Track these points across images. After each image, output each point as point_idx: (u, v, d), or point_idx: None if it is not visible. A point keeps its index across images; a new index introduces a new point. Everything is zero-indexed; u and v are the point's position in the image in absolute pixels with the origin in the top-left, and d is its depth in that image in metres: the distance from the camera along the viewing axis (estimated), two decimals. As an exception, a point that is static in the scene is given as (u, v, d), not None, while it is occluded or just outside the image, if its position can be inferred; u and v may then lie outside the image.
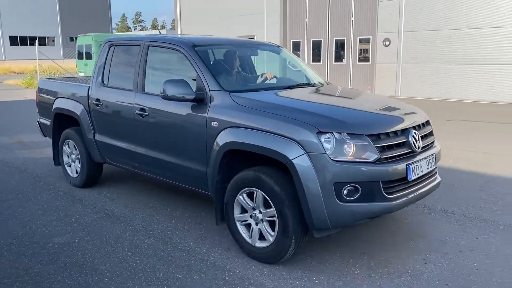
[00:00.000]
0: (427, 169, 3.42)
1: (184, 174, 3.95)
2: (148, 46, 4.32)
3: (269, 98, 3.76)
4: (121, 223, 4.20)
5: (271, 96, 3.86)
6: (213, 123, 3.55)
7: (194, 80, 3.80)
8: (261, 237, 3.38)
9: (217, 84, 3.68)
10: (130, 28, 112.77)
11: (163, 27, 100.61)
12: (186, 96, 3.63)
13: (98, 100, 4.73)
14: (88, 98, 4.87)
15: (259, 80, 4.49)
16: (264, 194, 3.22)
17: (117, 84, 4.61)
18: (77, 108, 5.01)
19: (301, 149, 3.00)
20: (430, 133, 3.72)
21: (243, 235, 3.46)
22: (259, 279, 3.15)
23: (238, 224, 3.48)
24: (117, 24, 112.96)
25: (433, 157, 3.55)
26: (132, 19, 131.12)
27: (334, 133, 3.00)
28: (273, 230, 3.25)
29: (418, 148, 3.34)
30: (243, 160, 3.52)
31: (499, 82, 13.59)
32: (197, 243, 3.74)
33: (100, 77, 4.78)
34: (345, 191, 2.96)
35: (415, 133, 3.36)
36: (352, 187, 2.97)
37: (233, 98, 3.55)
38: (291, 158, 3.01)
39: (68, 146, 5.38)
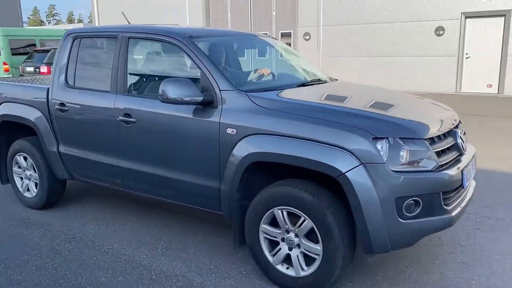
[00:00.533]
0: (473, 172, 3.06)
1: (187, 191, 3.32)
2: (129, 38, 3.62)
3: (295, 98, 3.11)
4: (39, 229, 3.96)
5: (296, 95, 3.22)
6: (229, 130, 2.95)
7: (192, 79, 3.21)
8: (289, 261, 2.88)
9: (228, 83, 3.08)
10: (43, 22, 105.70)
11: (80, 21, 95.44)
12: (193, 99, 3.00)
13: (62, 104, 3.93)
14: (48, 102, 4.03)
15: (253, 76, 3.81)
16: (308, 219, 2.67)
17: (88, 84, 3.87)
18: (32, 115, 4.12)
19: (354, 160, 2.49)
20: (464, 132, 3.27)
21: (269, 257, 2.94)
22: (187, 275, 3.15)
23: (264, 247, 2.95)
24: (28, 17, 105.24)
25: (475, 158, 3.14)
26: (46, 12, 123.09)
27: (389, 138, 2.54)
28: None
29: (464, 150, 2.97)
30: (267, 174, 3.03)
31: (415, 73, 14.62)
32: (122, 245, 3.65)
33: (63, 77, 3.99)
34: (406, 207, 2.52)
35: (460, 133, 2.97)
36: (413, 201, 2.52)
37: (253, 100, 2.97)
38: (344, 171, 2.49)
39: (21, 160, 4.44)
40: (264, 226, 2.89)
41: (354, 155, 2.50)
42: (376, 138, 2.51)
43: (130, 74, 3.62)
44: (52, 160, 4.15)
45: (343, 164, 2.50)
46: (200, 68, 3.18)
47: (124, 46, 3.62)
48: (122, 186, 3.76)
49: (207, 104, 3.07)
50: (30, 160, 4.34)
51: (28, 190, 4.49)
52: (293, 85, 3.52)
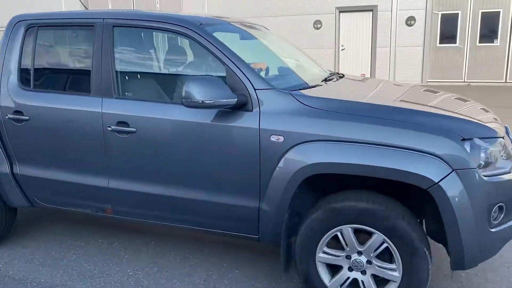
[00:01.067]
0: None
1: (212, 214, 2.71)
2: (113, 26, 2.85)
3: (348, 97, 2.58)
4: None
5: (342, 94, 2.75)
6: (274, 138, 2.43)
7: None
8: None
9: (264, 80, 2.54)
10: None
11: None
12: (227, 101, 2.41)
13: (18, 112, 3.03)
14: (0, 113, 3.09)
15: None
16: (384, 236, 2.28)
17: (55, 86, 3.10)
18: None
19: (445, 166, 2.16)
20: None
21: (327, 283, 2.49)
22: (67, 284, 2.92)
23: (321, 271, 2.50)
24: None
25: None
26: None
27: (474, 139, 2.24)
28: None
29: None
30: (313, 188, 2.59)
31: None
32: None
33: (15, 77, 3.08)
34: (493, 214, 2.28)
35: (509, 129, 2.75)
36: (498, 207, 2.29)
37: (299, 99, 2.46)
38: (437, 181, 2.13)
39: None
40: (323, 249, 2.45)
41: (443, 161, 2.16)
42: (463, 140, 2.20)
43: (120, 72, 2.86)
44: (3, 184, 3.21)
45: (433, 172, 2.14)
46: (225, 64, 2.57)
47: (108, 37, 2.84)
48: (113, 212, 2.99)
49: (239, 107, 2.49)
50: None
51: None
52: (309, 82, 2.90)
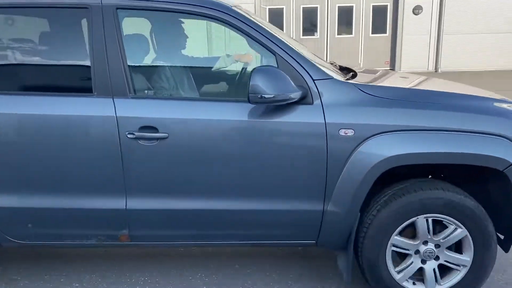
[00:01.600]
0: None
1: (263, 224, 2.43)
2: (117, 8, 2.29)
3: (400, 85, 2.74)
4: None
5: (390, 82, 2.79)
6: (343, 132, 2.24)
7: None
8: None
9: (321, 70, 2.33)
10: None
11: None
12: (294, 95, 2.17)
13: None
14: None
15: (224, 64, 3.02)
16: (463, 227, 2.31)
17: (40, 85, 2.47)
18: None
19: None
20: None
21: (394, 274, 2.41)
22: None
23: (389, 262, 2.39)
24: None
25: None
26: None
27: None
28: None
29: None
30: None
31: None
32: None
33: None
34: None
35: None
36: None
37: (362, 89, 2.31)
38: None
39: None
40: (396, 238, 2.34)
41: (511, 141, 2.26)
42: None
43: (133, 66, 2.39)
44: None
45: (508, 153, 2.22)
46: (275, 53, 2.27)
47: (112, 22, 2.27)
48: (129, 239, 2.46)
49: (298, 101, 2.22)
50: None
51: None
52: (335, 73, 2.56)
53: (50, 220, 2.41)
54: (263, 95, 2.11)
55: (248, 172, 2.31)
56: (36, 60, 2.55)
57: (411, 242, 2.37)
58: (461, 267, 2.37)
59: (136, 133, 2.25)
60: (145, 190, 2.34)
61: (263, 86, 2.10)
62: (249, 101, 2.15)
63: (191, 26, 2.75)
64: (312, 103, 2.25)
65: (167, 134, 2.25)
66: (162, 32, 2.61)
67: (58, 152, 2.30)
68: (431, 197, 2.28)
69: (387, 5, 14.37)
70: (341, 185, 2.27)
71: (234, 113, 2.27)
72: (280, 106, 2.22)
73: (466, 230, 2.30)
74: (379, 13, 14.45)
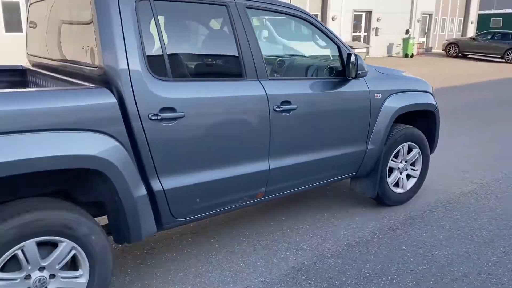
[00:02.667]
0: None
1: (337, 165, 3.42)
2: (245, 7, 2.78)
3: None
4: None
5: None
6: (377, 95, 3.52)
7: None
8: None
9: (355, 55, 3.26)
10: None
11: None
12: (366, 71, 3.36)
13: (168, 109, 2.37)
14: (139, 114, 2.27)
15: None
16: (417, 147, 3.97)
17: (197, 72, 2.76)
18: (89, 147, 2.10)
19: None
20: None
21: (388, 182, 3.84)
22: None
23: (387, 174, 3.81)
24: None
25: None
26: None
27: None
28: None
29: None
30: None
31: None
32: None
33: (139, 63, 2.29)
34: None
35: None
36: None
37: (378, 70, 3.69)
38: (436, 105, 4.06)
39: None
40: (392, 159, 3.80)
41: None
42: None
43: (265, 55, 2.89)
44: (133, 214, 2.34)
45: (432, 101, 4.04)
46: (338, 44, 3.32)
47: (246, 19, 2.76)
48: (264, 195, 2.97)
49: (354, 77, 3.25)
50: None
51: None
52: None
53: (214, 191, 2.68)
54: (364, 71, 3.26)
55: (332, 130, 3.26)
56: (203, 51, 2.92)
57: (397, 161, 3.94)
58: (417, 175, 4.08)
59: (284, 106, 2.88)
60: (281, 151, 2.96)
61: (364, 65, 3.27)
62: (352, 77, 3.20)
63: (287, 25, 3.66)
64: (359, 78, 3.38)
65: (296, 106, 2.95)
66: (277, 28, 3.54)
67: (225, 127, 2.63)
68: (407, 132, 3.84)
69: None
70: (376, 129, 3.53)
71: (326, 87, 3.19)
72: (347, 81, 3.29)
73: (420, 150, 3.98)
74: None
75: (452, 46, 23.45)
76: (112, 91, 2.22)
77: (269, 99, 2.79)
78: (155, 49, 2.44)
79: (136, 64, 2.27)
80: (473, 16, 28.91)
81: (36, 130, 1.95)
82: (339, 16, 20.32)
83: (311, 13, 15.36)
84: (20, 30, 13.36)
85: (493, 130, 7.15)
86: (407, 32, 23.21)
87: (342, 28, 20.49)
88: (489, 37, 22.33)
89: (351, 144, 3.42)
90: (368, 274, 2.89)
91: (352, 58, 3.15)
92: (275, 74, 3.21)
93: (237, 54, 2.73)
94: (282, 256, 3.11)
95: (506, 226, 3.61)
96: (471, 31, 28.52)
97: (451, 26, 28.25)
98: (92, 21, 2.25)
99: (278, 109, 2.83)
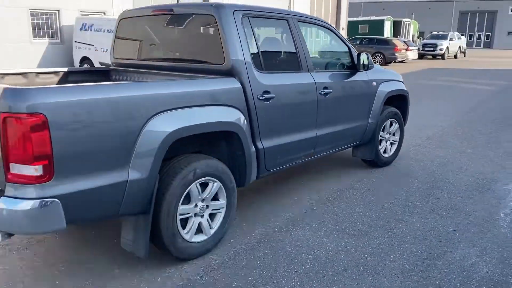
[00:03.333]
0: None
1: (352, 134, 4.70)
2: (298, 21, 4.07)
3: None
4: None
5: None
6: (373, 83, 4.85)
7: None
8: None
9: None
10: None
11: None
12: (372, 65, 4.83)
13: (266, 92, 3.49)
14: (252, 95, 3.38)
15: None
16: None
17: (277, 66, 3.97)
18: (229, 116, 3.19)
19: None
20: None
21: (381, 150, 5.28)
22: None
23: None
24: None
25: None
26: None
27: None
28: None
29: None
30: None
31: None
32: None
33: (250, 61, 3.42)
34: None
35: None
36: None
37: (372, 63, 4.84)
38: None
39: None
40: (381, 132, 5.19)
41: None
42: None
43: (307, 53, 4.05)
44: (250, 161, 3.42)
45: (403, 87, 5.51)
46: (349, 47, 4.63)
47: (297, 29, 4.00)
48: (313, 155, 4.21)
49: (360, 70, 4.60)
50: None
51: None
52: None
53: (288, 150, 3.82)
54: (369, 65, 4.62)
55: (349, 108, 4.52)
56: (279, 50, 4.16)
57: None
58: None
59: (323, 91, 4.08)
60: (323, 123, 4.17)
61: (371, 61, 4.65)
62: (359, 69, 4.54)
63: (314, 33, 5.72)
64: (362, 71, 4.62)
65: (332, 90, 4.18)
66: (306, 34, 4.40)
67: (295, 108, 3.80)
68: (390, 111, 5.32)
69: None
70: (374, 108, 4.88)
71: (345, 77, 4.48)
72: (355, 73, 4.59)
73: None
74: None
75: (327, 51, 25.15)
76: (236, 80, 3.30)
77: (316, 85, 4.01)
78: (253, 50, 3.51)
79: (248, 61, 3.38)
80: (343, 23, 31.46)
81: (200, 106, 2.98)
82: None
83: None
84: (45, 37, 14.76)
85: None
86: (286, 37, 24.32)
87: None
88: (357, 42, 24.49)
89: (361, 118, 4.74)
90: (255, 282, 2.88)
91: (362, 56, 4.50)
92: (315, 68, 4.12)
93: (295, 53, 3.94)
94: (167, 274, 2.96)
95: (378, 217, 3.90)
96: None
97: (326, 32, 30.31)
98: (219, 33, 3.32)
99: (321, 93, 4.06)
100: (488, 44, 54.13)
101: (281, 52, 4.11)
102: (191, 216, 3.02)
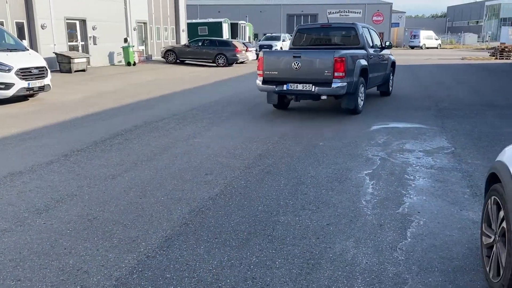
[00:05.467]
0: None
1: (382, 79, 11.09)
2: (362, 26, 10.14)
3: None
4: None
5: None
6: (388, 56, 11.59)
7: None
8: None
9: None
10: None
11: None
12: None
13: (370, 56, 9.70)
14: (367, 56, 9.80)
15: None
16: None
17: (370, 46, 10.24)
18: (365, 62, 9.42)
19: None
20: None
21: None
22: None
23: None
24: None
25: None
26: None
27: None
28: None
29: None
30: None
31: None
32: None
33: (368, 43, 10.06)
34: None
35: None
36: None
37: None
38: None
39: None
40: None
41: None
42: None
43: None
44: None
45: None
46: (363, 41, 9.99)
47: (362, 30, 10.13)
48: (370, 85, 10.19)
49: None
50: None
51: None
52: None
53: (372, 81, 10.08)
54: (388, 47, 11.25)
55: (383, 64, 10.95)
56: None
57: None
58: None
59: (370, 57, 9.86)
60: (371, 72, 9.87)
61: (389, 46, 11.33)
62: (384, 48, 11.04)
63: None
64: (385, 50, 11.15)
65: (372, 57, 10.02)
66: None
67: (373, 64, 9.97)
68: None
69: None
70: (388, 66, 11.40)
71: (380, 51, 10.78)
72: (382, 50, 10.91)
73: None
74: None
75: (170, 53, 24.77)
76: (364, 51, 9.72)
77: (368, 55, 9.42)
78: (368, 40, 10.22)
79: (366, 44, 9.79)
80: (183, 25, 31.36)
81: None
82: (49, 24, 18.52)
83: (15, 21, 14.13)
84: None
85: (225, 126, 7.68)
86: (125, 40, 23.20)
87: (55, 38, 18.74)
88: (200, 43, 24.59)
89: (384, 70, 10.85)
90: (135, 324, 2.43)
91: (387, 43, 10.94)
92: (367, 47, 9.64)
93: (361, 43, 9.63)
94: None
95: (255, 221, 3.76)
96: (184, 39, 30.91)
97: (166, 34, 29.90)
98: (357, 34, 9.74)
99: (369, 58, 9.45)
100: (313, 44, 60.27)
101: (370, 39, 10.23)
102: None
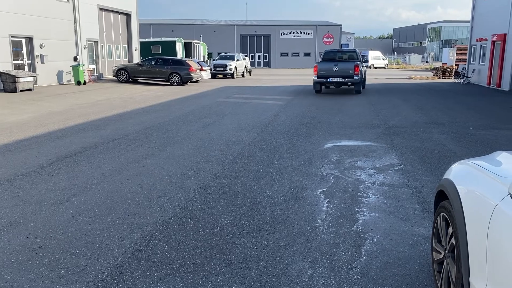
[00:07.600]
0: None
1: (361, 80, 19.31)
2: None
3: None
4: None
5: None
6: (364, 67, 22.51)
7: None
8: None
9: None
10: None
11: None
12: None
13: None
14: (361, 66, 19.00)
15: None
16: None
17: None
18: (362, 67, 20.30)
19: None
20: None
21: None
22: None
23: None
24: None
25: None
26: None
27: None
28: None
29: None
30: None
31: None
32: None
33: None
34: None
35: None
36: None
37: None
38: None
39: None
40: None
41: None
42: None
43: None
44: None
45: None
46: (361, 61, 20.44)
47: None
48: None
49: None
50: None
51: None
52: None
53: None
54: (364, 62, 21.95)
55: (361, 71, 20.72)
56: None
57: None
58: None
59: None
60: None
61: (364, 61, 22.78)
62: (362, 62, 20.45)
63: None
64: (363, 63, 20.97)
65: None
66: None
67: None
68: None
69: None
70: (364, 71, 21.04)
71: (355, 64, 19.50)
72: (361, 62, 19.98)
73: None
74: None
75: (122, 72, 24.30)
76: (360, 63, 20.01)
77: (362, 65, 19.80)
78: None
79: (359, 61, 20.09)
80: (135, 44, 30.96)
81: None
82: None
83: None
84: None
85: (172, 151, 7.56)
86: (75, 59, 22.58)
87: (-1, 55, 17.93)
88: (153, 62, 24.31)
89: (364, 75, 20.46)
90: None
91: (362, 61, 20.23)
92: (361, 61, 20.03)
93: (359, 58, 19.75)
94: None
95: (211, 245, 3.68)
96: (137, 57, 30.49)
97: (118, 53, 29.39)
98: (358, 57, 20.25)
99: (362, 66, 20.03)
100: (267, 64, 61.02)
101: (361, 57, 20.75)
102: None
